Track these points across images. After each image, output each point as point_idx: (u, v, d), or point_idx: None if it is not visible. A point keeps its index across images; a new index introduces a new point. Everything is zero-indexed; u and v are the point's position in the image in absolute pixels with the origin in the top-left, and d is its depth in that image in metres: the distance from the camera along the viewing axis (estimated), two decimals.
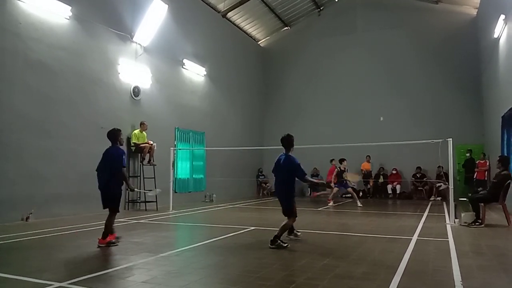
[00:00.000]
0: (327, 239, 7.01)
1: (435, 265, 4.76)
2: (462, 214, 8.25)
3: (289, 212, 6.12)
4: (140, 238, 6.71)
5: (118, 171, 6.14)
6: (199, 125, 14.97)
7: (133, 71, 11.81)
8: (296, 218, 6.31)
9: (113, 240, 6.05)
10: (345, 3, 19.00)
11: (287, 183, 6.13)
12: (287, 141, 6.28)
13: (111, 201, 6.16)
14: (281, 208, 6.18)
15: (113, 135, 6.35)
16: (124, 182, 6.34)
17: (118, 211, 6.34)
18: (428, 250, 5.73)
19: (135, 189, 7.19)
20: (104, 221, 6.10)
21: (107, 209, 6.18)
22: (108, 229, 6.06)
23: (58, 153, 9.45)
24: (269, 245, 5.80)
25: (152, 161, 11.50)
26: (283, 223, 6.07)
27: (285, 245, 5.83)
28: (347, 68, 18.52)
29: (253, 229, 7.71)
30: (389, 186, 16.65)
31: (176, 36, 13.91)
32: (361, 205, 12.44)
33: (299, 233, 6.63)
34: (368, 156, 16.42)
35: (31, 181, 8.77)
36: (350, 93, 18.34)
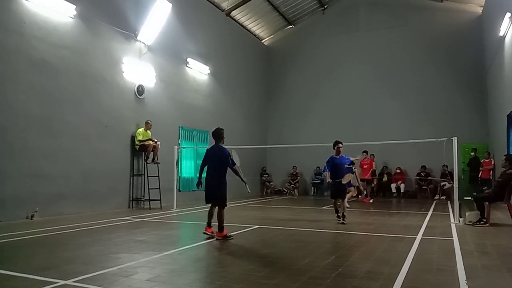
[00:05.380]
0: (331, 238, 7.01)
1: (440, 264, 4.74)
2: (467, 213, 8.20)
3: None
4: (144, 236, 6.74)
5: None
6: (203, 124, 14.97)
7: (137, 69, 11.84)
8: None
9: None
10: (349, 1, 18.94)
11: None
12: (217, 134, 6.76)
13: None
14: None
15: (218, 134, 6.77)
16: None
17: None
18: (432, 249, 5.71)
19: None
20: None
21: None
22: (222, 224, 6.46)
23: (62, 151, 9.49)
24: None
25: (156, 159, 11.53)
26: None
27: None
28: (351, 66, 18.46)
29: (257, 228, 7.72)
30: (393, 185, 16.58)
31: (180, 34, 13.92)
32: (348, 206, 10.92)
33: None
34: (372, 155, 16.36)
35: (35, 180, 8.82)
36: (354, 91, 18.28)
